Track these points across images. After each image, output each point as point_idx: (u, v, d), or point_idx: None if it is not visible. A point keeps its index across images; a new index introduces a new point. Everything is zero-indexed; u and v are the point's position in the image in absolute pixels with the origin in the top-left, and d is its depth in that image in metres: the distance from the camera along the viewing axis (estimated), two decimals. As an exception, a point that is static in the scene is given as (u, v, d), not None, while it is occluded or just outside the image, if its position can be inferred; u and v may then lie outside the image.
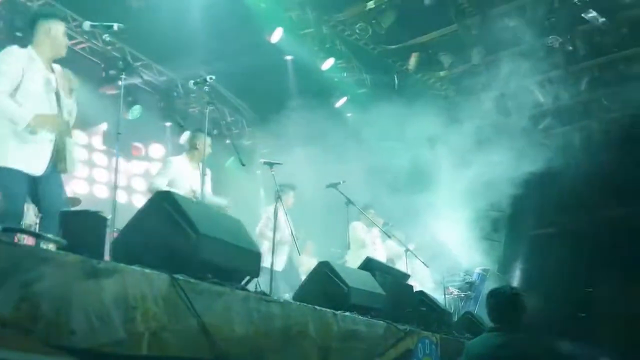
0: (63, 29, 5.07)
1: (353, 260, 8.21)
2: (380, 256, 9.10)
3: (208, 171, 6.78)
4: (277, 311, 3.97)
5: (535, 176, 12.36)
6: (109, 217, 4.20)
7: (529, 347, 4.05)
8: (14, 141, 4.63)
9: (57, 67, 5.08)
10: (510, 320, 4.21)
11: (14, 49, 4.81)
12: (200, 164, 6.57)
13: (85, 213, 2.89)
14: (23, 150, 4.65)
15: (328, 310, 4.64)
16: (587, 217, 16.02)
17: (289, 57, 11.09)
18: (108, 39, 5.39)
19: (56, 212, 4.56)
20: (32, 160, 4.72)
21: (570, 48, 11.97)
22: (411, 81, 12.94)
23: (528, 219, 14.55)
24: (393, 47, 12.05)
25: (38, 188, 4.79)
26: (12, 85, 4.62)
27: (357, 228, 9.27)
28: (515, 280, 13.78)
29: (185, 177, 6.78)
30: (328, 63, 11.39)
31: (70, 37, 9.54)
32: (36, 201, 4.83)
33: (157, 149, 11.85)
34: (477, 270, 11.54)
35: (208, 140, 6.75)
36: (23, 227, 5.16)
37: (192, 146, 7.02)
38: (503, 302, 4.31)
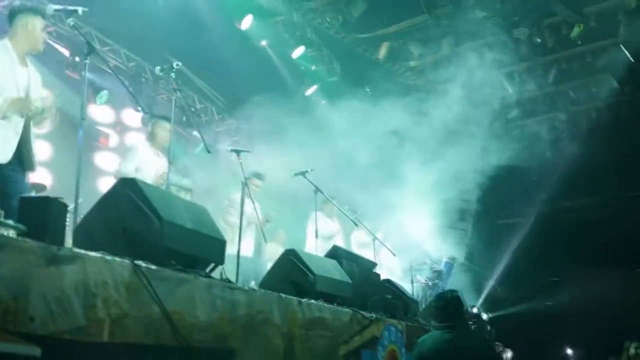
0: (41, 25, 5.04)
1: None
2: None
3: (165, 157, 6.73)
4: (241, 298, 3.97)
5: (502, 167, 12.50)
6: (73, 204, 4.17)
7: (470, 340, 4.89)
8: None
9: (31, 66, 5.03)
10: (454, 318, 4.96)
11: None
12: (166, 151, 6.53)
13: (45, 199, 2.86)
14: None
15: (293, 297, 4.66)
16: (553, 207, 16.29)
17: (264, 42, 10.99)
18: (73, 23, 5.25)
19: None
20: None
21: (539, 40, 12.12)
22: (381, 71, 12.97)
23: (495, 209, 14.74)
24: (363, 36, 12.06)
25: (1, 178, 4.71)
26: None
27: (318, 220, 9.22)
28: (483, 269, 13.96)
29: (150, 163, 6.78)
30: (298, 51, 11.35)
31: (36, 21, 9.45)
32: None
33: (123, 135, 11.69)
34: (444, 259, 11.66)
35: (168, 126, 6.70)
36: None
37: (151, 133, 7.04)
38: (447, 304, 5.10)
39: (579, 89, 13.62)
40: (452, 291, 5.47)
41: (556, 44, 12.17)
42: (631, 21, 10.05)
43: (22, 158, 4.85)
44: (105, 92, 9.94)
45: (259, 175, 8.37)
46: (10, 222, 2.70)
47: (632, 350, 6.11)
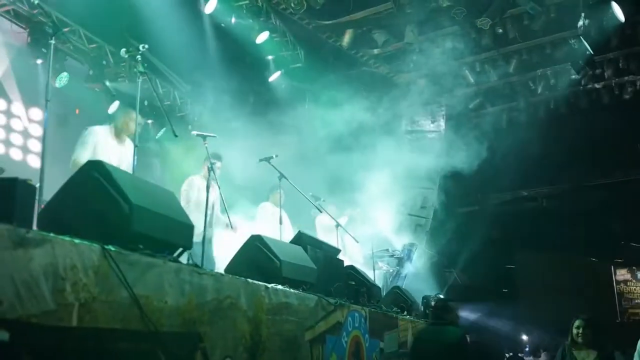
0: None
1: None
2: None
3: (130, 144, 6.59)
4: (209, 283, 3.96)
5: (463, 156, 12.66)
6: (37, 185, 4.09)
7: (454, 332, 5.88)
8: None
9: None
10: (443, 318, 6.07)
11: None
12: (130, 144, 6.41)
13: (13, 181, 2.80)
14: None
15: (260, 283, 4.66)
16: (511, 196, 16.60)
17: (230, 24, 10.85)
18: (37, 2, 5.11)
19: None
20: None
21: (500, 31, 12.27)
22: (345, 57, 12.98)
23: (456, 197, 14.92)
24: (327, 22, 12.03)
25: None
26: None
27: (266, 208, 9.18)
28: (443, 256, 14.14)
29: (109, 149, 6.56)
30: (262, 36, 11.27)
31: (-7, -1, 9.20)
32: None
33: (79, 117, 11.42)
34: (404, 245, 11.77)
35: (134, 115, 6.51)
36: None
37: (119, 121, 6.79)
38: (439, 307, 6.32)
39: (539, 80, 13.84)
40: (442, 299, 7.50)
41: (517, 34, 12.35)
42: (591, 13, 10.23)
43: None
44: (65, 74, 9.74)
45: (217, 156, 8.17)
46: (-23, 204, 2.64)
47: (574, 331, 6.38)
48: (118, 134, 6.74)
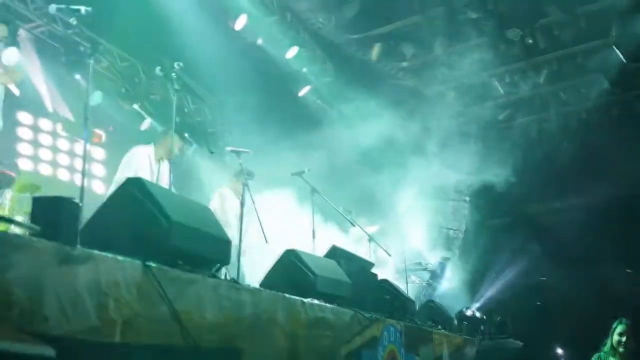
0: None
1: None
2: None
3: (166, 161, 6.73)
4: (247, 299, 3.98)
5: (494, 168, 12.56)
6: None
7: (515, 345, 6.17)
8: None
9: None
10: (504, 332, 6.81)
11: None
12: (167, 162, 6.55)
13: (58, 199, 2.84)
14: None
15: (297, 298, 4.67)
16: (543, 207, 16.40)
17: (260, 41, 10.97)
18: (75, 23, 5.20)
19: None
20: None
21: (530, 41, 12.18)
22: (373, 71, 12.99)
23: (487, 209, 14.80)
24: (356, 36, 12.06)
25: None
26: None
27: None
28: (475, 269, 14.01)
29: (149, 169, 6.72)
30: (292, 51, 11.34)
31: (29, 20, 9.41)
32: None
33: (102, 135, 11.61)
34: (438, 259, 11.70)
35: (178, 140, 6.73)
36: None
37: (160, 144, 6.98)
38: (500, 323, 6.90)
39: (570, 90, 13.70)
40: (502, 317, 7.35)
41: (548, 44, 12.24)
42: (623, 22, 10.12)
43: None
44: (98, 92, 9.88)
45: (250, 173, 8.25)
46: (24, 222, 2.68)
47: (615, 337, 6.02)
48: (158, 156, 6.89)
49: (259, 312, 4.09)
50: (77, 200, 2.93)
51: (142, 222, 3.53)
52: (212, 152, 6.34)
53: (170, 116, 6.49)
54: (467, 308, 10.40)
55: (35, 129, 10.46)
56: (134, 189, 3.61)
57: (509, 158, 12.72)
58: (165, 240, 3.50)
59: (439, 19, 11.71)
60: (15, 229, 2.67)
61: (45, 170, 10.54)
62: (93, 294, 2.81)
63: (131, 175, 6.50)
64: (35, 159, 10.40)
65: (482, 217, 14.44)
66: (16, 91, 8.79)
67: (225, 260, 4.13)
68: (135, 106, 10.08)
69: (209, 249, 3.96)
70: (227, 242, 4.18)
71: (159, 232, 3.50)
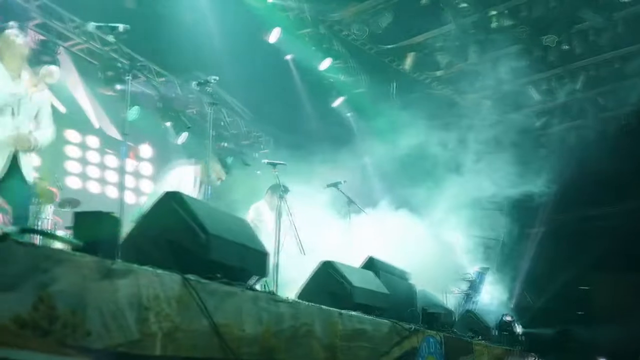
0: (21, 39, 5.01)
1: None
2: None
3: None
4: (285, 311, 3.97)
5: (531, 175, 12.41)
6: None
7: None
8: None
9: (27, 70, 5.08)
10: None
11: None
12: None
13: (99, 214, 2.89)
14: None
15: (334, 309, 4.65)
16: (581, 215, 16.12)
17: (288, 57, 11.09)
18: (113, 40, 5.31)
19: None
20: None
21: (567, 47, 12.04)
22: (408, 81, 12.97)
23: (524, 218, 14.62)
24: (390, 47, 12.07)
25: None
26: None
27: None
28: (513, 278, 13.84)
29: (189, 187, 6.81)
30: (325, 63, 11.40)
31: (67, 39, 9.62)
32: None
33: (145, 150, 11.82)
34: (476, 269, 11.57)
35: (210, 143, 6.80)
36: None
37: (204, 168, 7.05)
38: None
39: (608, 95, 13.50)
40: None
41: (584, 50, 12.10)
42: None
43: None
44: (136, 107, 10.05)
45: (285, 189, 8.28)
46: (66, 237, 2.72)
47: None
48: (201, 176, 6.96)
49: (297, 325, 4.07)
50: (117, 215, 2.96)
51: (180, 236, 3.55)
52: (247, 165, 6.37)
53: (207, 129, 6.58)
54: (506, 314, 10.27)
55: (83, 146, 10.71)
56: (172, 202, 3.64)
57: (547, 166, 12.55)
58: (204, 254, 3.52)
59: (473, 27, 11.66)
60: (58, 245, 2.70)
61: (94, 188, 10.79)
62: (134, 308, 2.83)
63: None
64: (83, 176, 10.64)
65: (520, 226, 14.25)
66: (62, 108, 9.00)
67: (263, 273, 4.14)
68: (168, 124, 10.22)
69: (246, 261, 3.97)
70: (264, 255, 4.19)
71: (197, 246, 3.52)
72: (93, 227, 2.84)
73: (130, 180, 11.62)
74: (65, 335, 2.50)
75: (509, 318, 9.85)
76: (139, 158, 11.72)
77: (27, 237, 2.46)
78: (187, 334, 3.12)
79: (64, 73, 9.75)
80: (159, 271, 3.04)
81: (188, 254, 3.51)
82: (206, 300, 3.25)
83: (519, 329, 10.38)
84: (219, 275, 3.55)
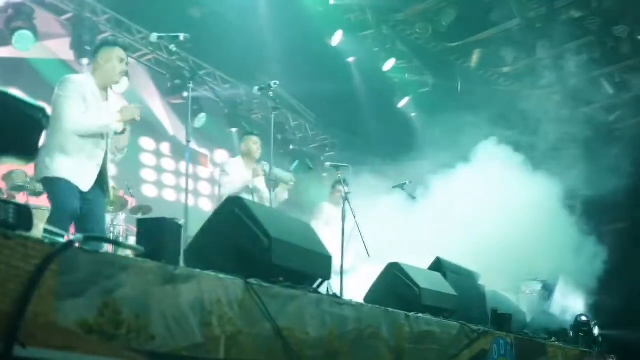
0: (122, 57, 5.13)
1: None
2: None
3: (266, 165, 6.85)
4: (349, 313, 3.96)
5: (605, 171, 12.01)
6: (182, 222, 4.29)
7: None
8: (61, 154, 4.79)
9: (113, 95, 5.21)
10: None
11: (73, 77, 5.03)
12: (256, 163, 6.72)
13: (161, 220, 2.95)
14: (70, 163, 4.81)
15: (400, 311, 4.61)
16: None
17: (351, 59, 11.09)
18: (175, 49, 5.43)
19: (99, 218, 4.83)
20: (79, 174, 4.86)
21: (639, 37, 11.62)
22: (474, 78, 12.76)
23: (599, 215, 14.15)
24: (454, 44, 11.91)
25: (83, 204, 4.88)
26: (80, 108, 4.80)
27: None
28: (588, 277, 13.40)
29: (244, 177, 6.86)
30: (389, 64, 11.35)
31: (136, 50, 9.90)
32: (76, 217, 4.87)
33: (221, 155, 12.06)
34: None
35: (256, 138, 6.86)
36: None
37: (243, 148, 7.13)
38: None
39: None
40: None
41: (659, 40, 11.65)
42: None
43: (102, 184, 5.06)
44: (203, 114, 10.25)
45: (348, 188, 8.22)
46: (130, 244, 2.79)
47: None
48: (248, 162, 7.00)
49: (362, 327, 4.06)
50: (180, 221, 3.02)
51: (242, 240, 3.59)
52: (310, 168, 6.41)
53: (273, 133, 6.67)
54: (582, 315, 9.95)
55: (157, 153, 11.00)
56: (234, 207, 3.69)
57: (621, 160, 12.11)
58: (266, 258, 3.55)
59: (540, 20, 11.39)
60: (123, 251, 2.77)
61: (169, 195, 11.06)
62: (197, 312, 2.88)
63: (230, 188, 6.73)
64: (159, 184, 10.93)
65: (595, 224, 13.79)
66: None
67: (326, 276, 4.14)
68: (233, 130, 10.39)
69: (310, 265, 3.99)
70: (328, 258, 4.20)
71: (259, 250, 3.55)
72: (156, 234, 2.90)
73: (206, 187, 11.87)
74: (130, 339, 2.56)
75: (584, 318, 9.54)
76: (214, 164, 11.95)
77: (92, 245, 2.53)
78: (250, 338, 3.15)
79: (140, 82, 10.08)
80: (221, 275, 3.08)
81: (251, 258, 3.55)
82: (269, 303, 3.28)
83: (596, 329, 10.04)
84: (281, 279, 3.57)
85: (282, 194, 7.07)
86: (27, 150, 2.49)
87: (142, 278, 2.65)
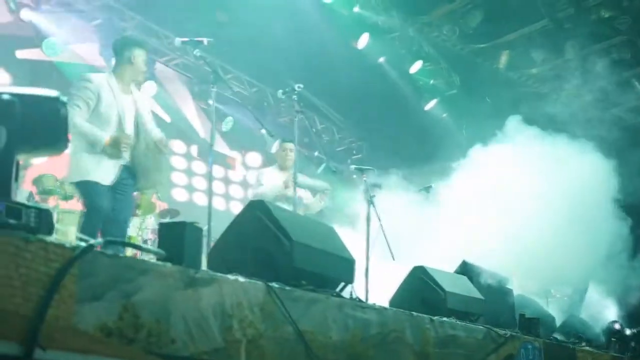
0: (144, 57, 5.29)
1: None
2: None
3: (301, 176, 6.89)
4: (373, 317, 3.94)
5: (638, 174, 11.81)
6: (205, 227, 4.30)
7: None
8: (87, 155, 4.94)
9: (136, 89, 5.32)
10: None
11: (89, 75, 5.19)
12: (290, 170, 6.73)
13: (182, 224, 2.96)
14: (96, 163, 4.97)
15: (425, 315, 4.57)
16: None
17: (382, 59, 11.05)
18: (199, 54, 5.50)
19: (123, 220, 4.92)
20: (103, 172, 5.01)
21: (674, 36, 11.42)
22: (502, 80, 12.63)
23: (631, 219, 13.91)
24: (482, 46, 11.80)
25: (115, 193, 5.08)
26: (88, 109, 4.88)
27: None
28: (622, 280, 13.17)
29: (276, 181, 6.93)
30: (416, 66, 11.30)
31: (163, 54, 9.99)
32: (107, 214, 5.02)
33: (253, 158, 12.13)
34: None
35: (290, 145, 6.90)
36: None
37: (277, 155, 7.24)
38: None
39: None
40: None
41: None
42: None
43: (138, 178, 5.21)
44: (230, 118, 10.30)
45: (378, 185, 8.21)
46: (151, 247, 2.80)
47: None
48: (281, 169, 7.11)
49: (386, 331, 4.03)
50: (199, 225, 3.03)
51: (265, 244, 3.60)
52: (334, 172, 6.42)
53: (299, 137, 6.72)
54: (616, 322, 9.77)
55: (188, 156, 11.08)
56: (256, 211, 3.69)
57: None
58: (288, 261, 3.55)
59: (569, 21, 11.24)
60: (144, 255, 2.79)
61: (200, 199, 11.12)
62: (217, 315, 2.88)
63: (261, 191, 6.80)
64: (189, 188, 11.00)
65: (633, 227, 13.55)
66: (167, 118, 9.33)
67: (349, 280, 4.12)
68: (263, 131, 10.40)
69: (332, 268, 3.98)
70: (351, 261, 4.18)
71: (281, 253, 3.55)
72: (177, 237, 2.91)
73: (237, 190, 11.92)
74: (150, 343, 2.57)
75: (617, 326, 9.36)
76: (246, 167, 12.01)
77: (113, 249, 2.55)
78: (271, 341, 3.14)
79: (172, 85, 10.18)
80: (242, 279, 3.08)
81: (273, 261, 3.55)
82: (290, 307, 3.27)
83: (629, 333, 9.83)
84: (304, 282, 3.56)
85: (319, 202, 7.14)
86: (56, 142, 2.53)
87: (162, 282, 2.66)
